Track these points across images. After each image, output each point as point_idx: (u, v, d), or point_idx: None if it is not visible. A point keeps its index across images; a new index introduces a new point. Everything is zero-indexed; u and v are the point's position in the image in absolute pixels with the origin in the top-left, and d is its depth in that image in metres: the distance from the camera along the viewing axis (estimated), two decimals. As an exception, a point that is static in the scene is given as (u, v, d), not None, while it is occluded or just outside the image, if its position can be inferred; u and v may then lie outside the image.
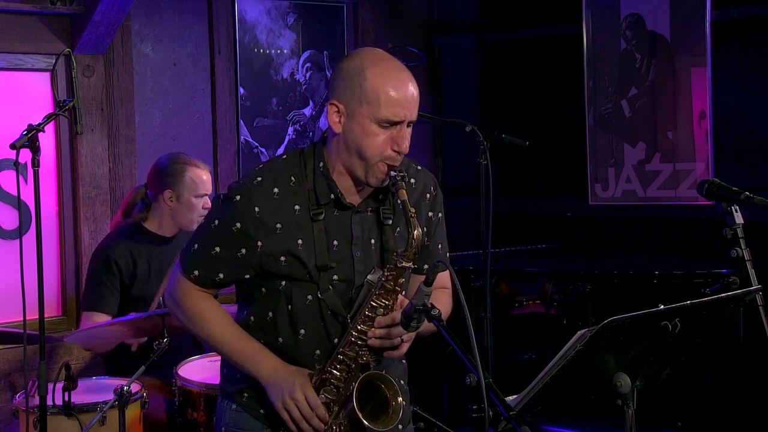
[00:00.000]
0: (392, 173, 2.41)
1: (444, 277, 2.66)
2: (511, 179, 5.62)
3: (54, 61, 4.42)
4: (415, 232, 2.37)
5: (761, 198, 2.84)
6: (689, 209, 5.11)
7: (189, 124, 5.16)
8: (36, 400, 3.26)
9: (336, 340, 2.48)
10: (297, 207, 2.46)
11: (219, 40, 5.21)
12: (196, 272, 2.51)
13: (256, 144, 5.38)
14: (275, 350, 2.50)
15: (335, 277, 2.47)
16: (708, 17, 4.93)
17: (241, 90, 5.31)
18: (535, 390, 2.24)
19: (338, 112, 2.42)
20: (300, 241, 2.45)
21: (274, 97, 5.46)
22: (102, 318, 3.91)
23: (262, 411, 2.51)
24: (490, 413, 2.16)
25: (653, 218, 5.34)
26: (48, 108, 4.50)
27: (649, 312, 2.28)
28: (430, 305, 2.27)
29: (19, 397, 3.54)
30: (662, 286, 4.37)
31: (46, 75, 4.60)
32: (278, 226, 2.44)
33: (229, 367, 2.61)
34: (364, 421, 2.35)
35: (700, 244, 4.91)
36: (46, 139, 4.51)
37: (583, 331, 2.20)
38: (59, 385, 3.38)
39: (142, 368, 3.41)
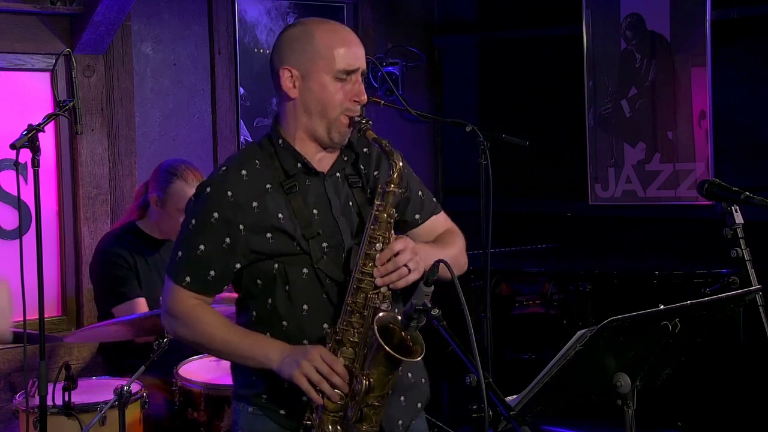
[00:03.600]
0: (355, 119, 2.49)
1: (442, 218, 2.73)
2: (511, 179, 5.61)
3: (54, 61, 4.42)
4: (395, 157, 2.43)
5: (761, 198, 2.84)
6: (689, 209, 5.11)
7: (189, 124, 5.16)
8: (36, 400, 3.25)
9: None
10: (268, 185, 2.48)
11: (219, 40, 5.21)
12: (188, 278, 2.49)
13: (256, 144, 5.38)
14: (281, 338, 2.47)
15: (325, 244, 2.48)
16: (708, 17, 4.93)
17: (241, 90, 5.31)
18: (535, 390, 2.24)
19: (291, 77, 2.49)
20: (281, 215, 2.46)
21: (274, 97, 5.46)
22: (137, 304, 3.90)
23: (282, 412, 2.48)
24: (490, 413, 2.16)
25: (653, 218, 5.34)
26: (48, 108, 4.50)
27: (649, 312, 2.28)
28: (430, 305, 2.27)
29: (19, 397, 3.54)
30: (662, 286, 4.37)
31: (46, 75, 4.61)
32: (254, 204, 2.45)
33: (243, 373, 2.56)
34: (396, 355, 2.27)
35: (700, 244, 4.91)
36: (46, 139, 4.52)
37: (583, 331, 2.20)
38: (59, 385, 3.37)
39: (142, 368, 3.40)
